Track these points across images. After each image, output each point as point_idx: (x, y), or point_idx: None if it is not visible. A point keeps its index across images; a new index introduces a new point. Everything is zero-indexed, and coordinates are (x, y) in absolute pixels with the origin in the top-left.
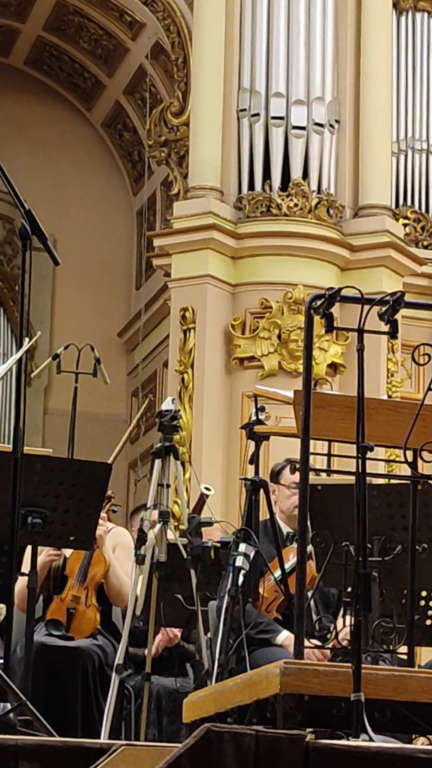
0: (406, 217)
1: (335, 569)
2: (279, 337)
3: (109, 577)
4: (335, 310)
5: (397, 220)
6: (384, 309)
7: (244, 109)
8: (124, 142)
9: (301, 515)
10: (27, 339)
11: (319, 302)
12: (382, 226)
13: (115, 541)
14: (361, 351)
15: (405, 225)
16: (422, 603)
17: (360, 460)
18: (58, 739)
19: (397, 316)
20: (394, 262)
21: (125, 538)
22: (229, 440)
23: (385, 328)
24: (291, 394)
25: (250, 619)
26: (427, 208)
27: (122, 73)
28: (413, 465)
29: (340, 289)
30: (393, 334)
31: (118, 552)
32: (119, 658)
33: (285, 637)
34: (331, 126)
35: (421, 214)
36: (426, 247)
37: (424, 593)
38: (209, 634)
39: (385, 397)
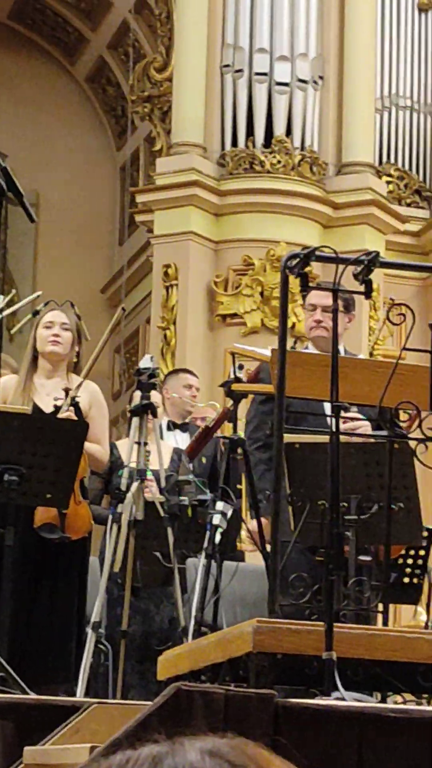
0: (390, 175)
1: (312, 528)
2: (261, 294)
3: (88, 453)
4: (320, 268)
5: (380, 177)
6: (359, 269)
7: (228, 65)
8: (107, 97)
9: (277, 474)
10: (1, 297)
11: (294, 261)
12: (365, 183)
13: (91, 397)
14: (335, 311)
15: (388, 182)
16: (400, 561)
17: (334, 419)
18: (32, 697)
19: (376, 276)
20: (376, 220)
21: (98, 395)
22: (211, 397)
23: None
24: (268, 353)
25: None
26: (411, 166)
27: (106, 28)
28: (391, 424)
29: (315, 248)
30: (368, 294)
31: (94, 411)
32: (95, 616)
33: None
34: (315, 82)
35: (405, 172)
36: (409, 205)
37: (403, 551)
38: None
39: (361, 356)
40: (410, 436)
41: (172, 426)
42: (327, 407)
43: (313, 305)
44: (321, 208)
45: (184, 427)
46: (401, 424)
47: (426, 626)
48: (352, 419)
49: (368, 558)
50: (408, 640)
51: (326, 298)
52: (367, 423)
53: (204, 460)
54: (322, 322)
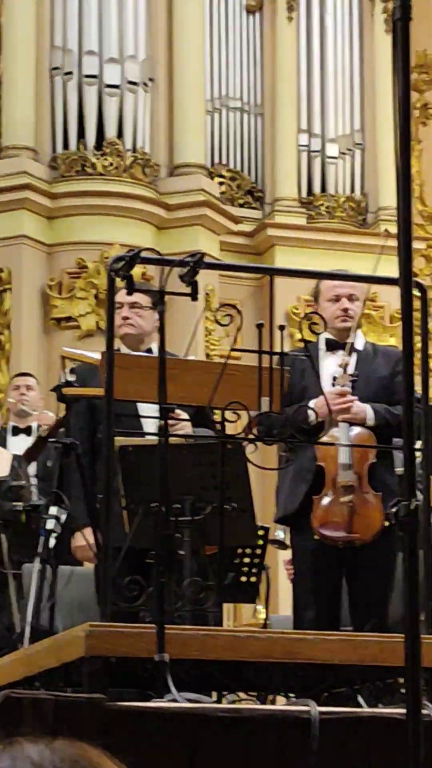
0: (222, 176)
1: (146, 530)
2: (96, 297)
3: None
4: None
5: (212, 178)
6: (185, 270)
7: (57, 68)
8: None
9: (106, 478)
10: None
11: (119, 264)
12: (197, 184)
13: None
14: (162, 312)
15: (220, 183)
16: (236, 561)
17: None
18: None
19: (212, 277)
20: (210, 221)
21: None
22: (47, 402)
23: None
24: (98, 356)
25: None
26: (242, 167)
27: None
28: (222, 424)
29: (140, 251)
30: (193, 295)
31: None
32: None
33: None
34: (145, 84)
35: (236, 173)
36: (242, 206)
37: (239, 551)
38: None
39: (192, 357)
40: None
41: (16, 431)
42: (141, 409)
43: (120, 303)
44: (154, 209)
45: (29, 431)
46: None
47: (264, 624)
48: (176, 419)
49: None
50: (240, 640)
51: (133, 296)
52: (188, 423)
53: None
54: (129, 320)
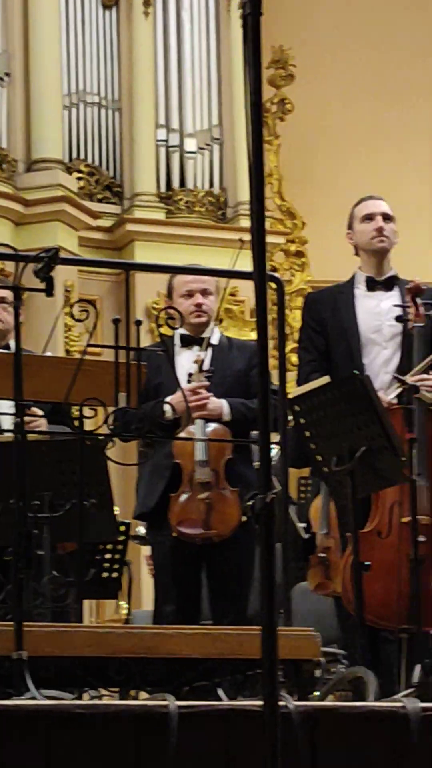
0: (80, 171)
1: (4, 527)
2: None
3: None
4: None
5: (70, 173)
6: (39, 266)
7: None
8: None
9: None
10: None
11: None
12: (55, 180)
13: None
14: (17, 309)
15: (79, 179)
16: (98, 557)
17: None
18: None
19: (71, 272)
20: (68, 216)
21: None
22: None
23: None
24: None
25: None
26: (101, 162)
27: None
28: (80, 421)
29: None
30: (48, 291)
31: None
32: None
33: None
34: (1, 79)
35: (95, 168)
36: (100, 201)
37: (100, 547)
38: None
39: (49, 353)
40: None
41: None
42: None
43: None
44: (12, 205)
45: None
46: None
47: (127, 620)
48: (32, 416)
49: None
50: (99, 636)
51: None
52: (43, 420)
53: None
54: None
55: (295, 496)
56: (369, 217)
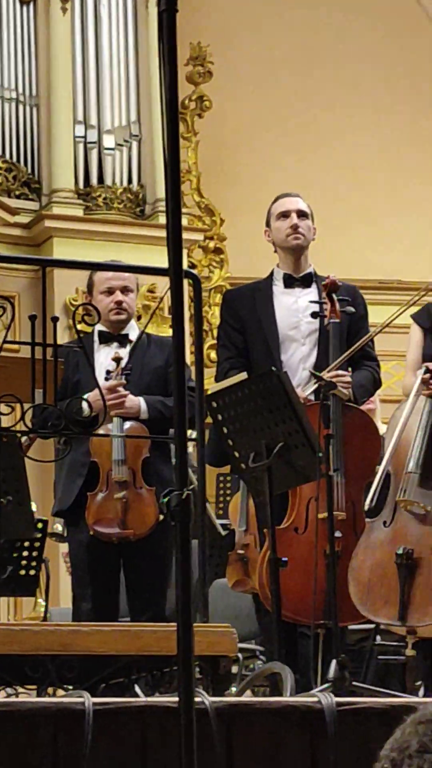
0: None
1: None
2: None
3: None
4: None
5: None
6: None
7: None
8: None
9: None
10: None
11: None
12: None
13: None
14: None
15: None
16: (15, 554)
17: None
18: None
19: None
20: None
21: None
22: None
23: None
24: None
25: None
26: (19, 158)
27: None
28: None
29: None
30: None
31: None
32: None
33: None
34: None
35: (13, 164)
36: (18, 197)
37: (17, 544)
38: None
39: None
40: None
41: None
42: None
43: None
44: None
45: None
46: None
47: (45, 617)
48: None
49: None
50: (15, 633)
51: None
52: None
53: None
54: None
55: (214, 494)
56: (284, 215)
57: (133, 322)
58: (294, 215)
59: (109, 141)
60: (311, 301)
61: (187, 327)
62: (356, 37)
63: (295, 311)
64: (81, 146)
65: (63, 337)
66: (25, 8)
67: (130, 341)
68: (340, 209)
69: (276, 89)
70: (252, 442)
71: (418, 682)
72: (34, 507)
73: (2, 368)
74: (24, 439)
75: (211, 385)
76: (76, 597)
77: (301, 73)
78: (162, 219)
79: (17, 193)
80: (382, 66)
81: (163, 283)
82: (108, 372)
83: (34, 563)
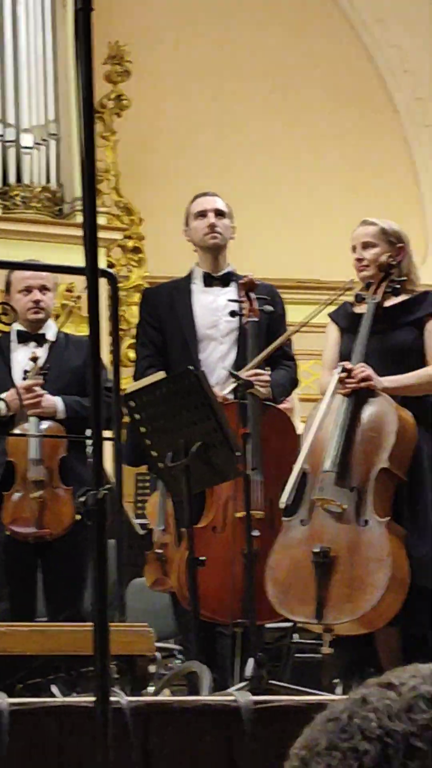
0: None
1: None
2: None
3: None
4: None
5: None
6: None
7: None
8: None
9: None
10: None
11: None
12: None
13: None
14: None
15: None
16: None
17: None
18: None
19: None
20: None
21: None
22: None
23: None
24: None
25: None
26: None
27: None
28: None
29: None
30: None
31: None
32: None
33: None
34: None
35: None
36: None
37: None
38: None
39: None
40: None
41: None
42: None
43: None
44: None
45: None
46: None
47: None
48: None
49: None
50: None
51: None
52: None
53: None
54: None
55: (132, 493)
56: (202, 214)
57: (50, 321)
58: (211, 214)
59: (26, 140)
60: (229, 300)
61: (105, 326)
62: (275, 35)
63: (213, 310)
64: None
65: None
66: None
67: (48, 341)
68: (259, 209)
69: (195, 89)
70: (170, 441)
71: (336, 680)
72: None
73: None
74: None
75: (129, 384)
76: None
77: (221, 73)
78: (80, 218)
79: None
80: (302, 65)
81: (81, 283)
82: (25, 371)
83: None
